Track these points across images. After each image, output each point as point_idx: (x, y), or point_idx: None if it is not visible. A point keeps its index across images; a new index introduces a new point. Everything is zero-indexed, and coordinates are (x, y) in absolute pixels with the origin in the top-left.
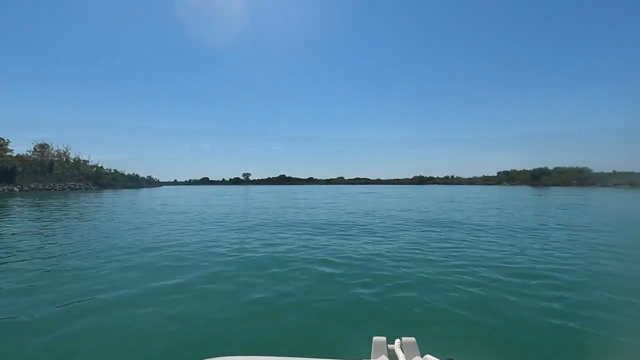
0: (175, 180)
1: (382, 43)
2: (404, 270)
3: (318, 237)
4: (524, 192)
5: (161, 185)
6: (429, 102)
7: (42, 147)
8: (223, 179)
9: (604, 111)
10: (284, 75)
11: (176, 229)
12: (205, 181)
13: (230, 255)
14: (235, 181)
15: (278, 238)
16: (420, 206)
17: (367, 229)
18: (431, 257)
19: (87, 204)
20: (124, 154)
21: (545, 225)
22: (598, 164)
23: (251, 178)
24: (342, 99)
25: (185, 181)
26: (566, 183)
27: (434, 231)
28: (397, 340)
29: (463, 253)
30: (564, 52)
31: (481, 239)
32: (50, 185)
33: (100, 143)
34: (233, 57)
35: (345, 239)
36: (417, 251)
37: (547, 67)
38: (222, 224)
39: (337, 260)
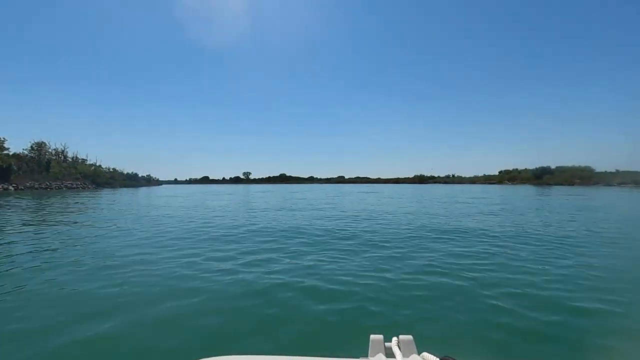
0: (176, 179)
1: (382, 43)
2: (403, 268)
3: (312, 252)
4: (529, 192)
5: (161, 184)
6: (430, 101)
7: (40, 145)
8: (223, 178)
9: (603, 111)
10: (285, 75)
11: (148, 238)
12: (205, 180)
13: (198, 279)
14: (236, 180)
15: (264, 252)
16: (425, 208)
17: (370, 239)
18: (444, 268)
19: (72, 204)
20: (124, 153)
21: (574, 231)
22: (597, 163)
23: (252, 177)
24: (343, 99)
25: (186, 180)
26: (569, 182)
27: (444, 239)
28: (395, 338)
29: (475, 260)
30: (564, 52)
31: (500, 248)
32: (47, 184)
33: (101, 142)
34: (234, 56)
35: (345, 254)
36: (431, 264)
37: (547, 68)
38: (205, 230)
39: (334, 286)
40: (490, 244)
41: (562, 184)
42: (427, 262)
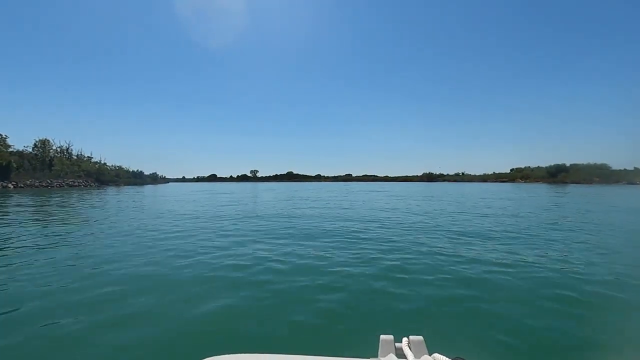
0: (184, 177)
1: (387, 42)
2: (414, 268)
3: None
4: (550, 191)
5: (167, 182)
6: (435, 100)
7: (43, 143)
8: (231, 176)
9: (604, 110)
10: (292, 74)
11: (67, 274)
12: (213, 178)
13: None
14: (243, 178)
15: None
16: (449, 213)
17: (401, 296)
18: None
19: (54, 205)
20: (134, 152)
21: None
22: (604, 161)
23: (259, 175)
24: (349, 98)
25: (194, 178)
26: (587, 180)
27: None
28: (405, 339)
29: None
30: (568, 52)
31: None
32: (48, 182)
33: (111, 142)
34: (240, 56)
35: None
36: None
37: (549, 67)
38: (141, 263)
39: None
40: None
41: (579, 183)
42: (437, 264)
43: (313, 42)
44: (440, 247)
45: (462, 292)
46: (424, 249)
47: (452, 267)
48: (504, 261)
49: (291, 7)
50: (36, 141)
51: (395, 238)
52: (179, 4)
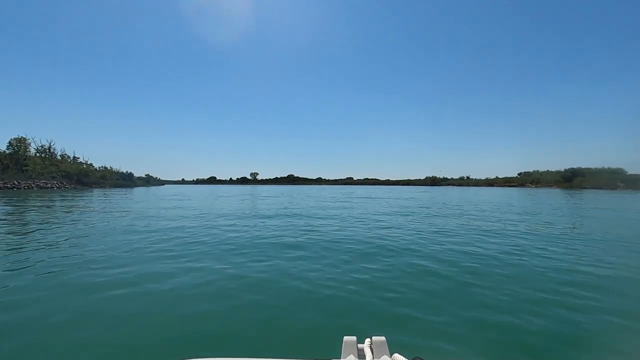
0: (183, 179)
1: (391, 43)
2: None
3: None
4: (577, 198)
5: (163, 184)
6: (438, 103)
7: (19, 141)
8: (230, 179)
9: (605, 113)
10: (295, 75)
11: None
12: (212, 180)
13: None
14: (243, 181)
15: None
16: (498, 235)
17: None
18: None
19: None
20: (132, 152)
21: None
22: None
23: (259, 177)
24: (351, 100)
25: (193, 180)
26: (611, 186)
27: None
28: (367, 340)
29: None
30: (580, 56)
31: None
32: (14, 184)
33: (107, 143)
34: (241, 57)
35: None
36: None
37: (551, 69)
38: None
39: None
40: None
41: (600, 188)
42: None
43: (314, 43)
44: (413, 249)
45: (426, 291)
46: (397, 252)
47: (417, 267)
48: (473, 262)
49: (292, 9)
50: (11, 140)
51: None
52: (181, 3)
